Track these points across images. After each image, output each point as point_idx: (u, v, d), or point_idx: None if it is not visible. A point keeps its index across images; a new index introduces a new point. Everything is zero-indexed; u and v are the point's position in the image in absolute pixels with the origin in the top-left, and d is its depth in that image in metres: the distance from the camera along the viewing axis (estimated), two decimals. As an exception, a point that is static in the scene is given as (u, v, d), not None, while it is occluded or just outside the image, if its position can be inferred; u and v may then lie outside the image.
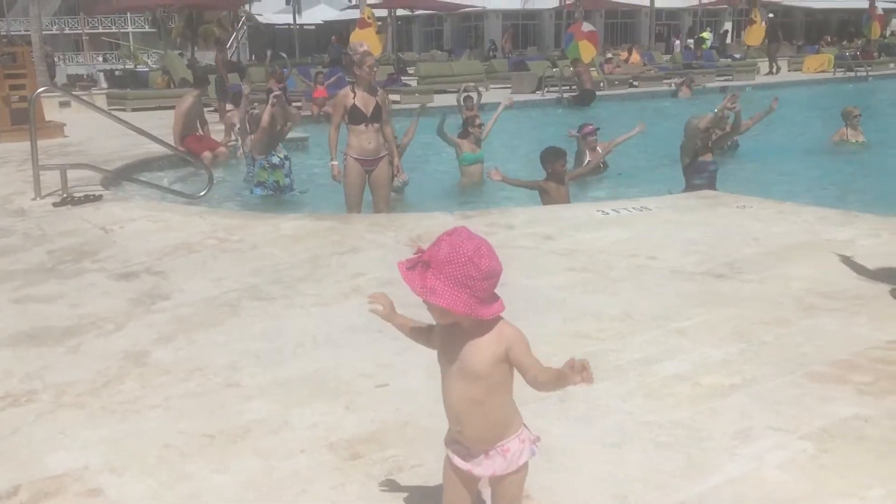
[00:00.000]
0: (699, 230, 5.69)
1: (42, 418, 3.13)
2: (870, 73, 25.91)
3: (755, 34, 28.47)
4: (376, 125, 6.69)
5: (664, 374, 3.37)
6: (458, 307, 1.79)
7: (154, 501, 2.55)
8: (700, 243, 5.32)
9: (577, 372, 1.78)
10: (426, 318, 2.04)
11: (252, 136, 9.02)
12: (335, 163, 6.68)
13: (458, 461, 2.00)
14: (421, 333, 2.08)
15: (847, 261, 4.78)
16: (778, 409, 3.04)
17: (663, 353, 3.57)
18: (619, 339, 3.74)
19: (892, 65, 29.09)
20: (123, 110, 16.63)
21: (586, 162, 9.19)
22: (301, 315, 4.24)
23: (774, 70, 27.22)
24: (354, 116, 6.54)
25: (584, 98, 19.92)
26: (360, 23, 20.83)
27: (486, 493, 2.17)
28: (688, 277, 4.62)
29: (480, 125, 9.31)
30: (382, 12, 31.27)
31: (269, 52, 17.15)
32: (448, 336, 1.94)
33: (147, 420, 3.11)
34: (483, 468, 1.98)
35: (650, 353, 3.58)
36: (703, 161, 7.51)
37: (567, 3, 31.61)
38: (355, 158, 6.66)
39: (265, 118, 8.74)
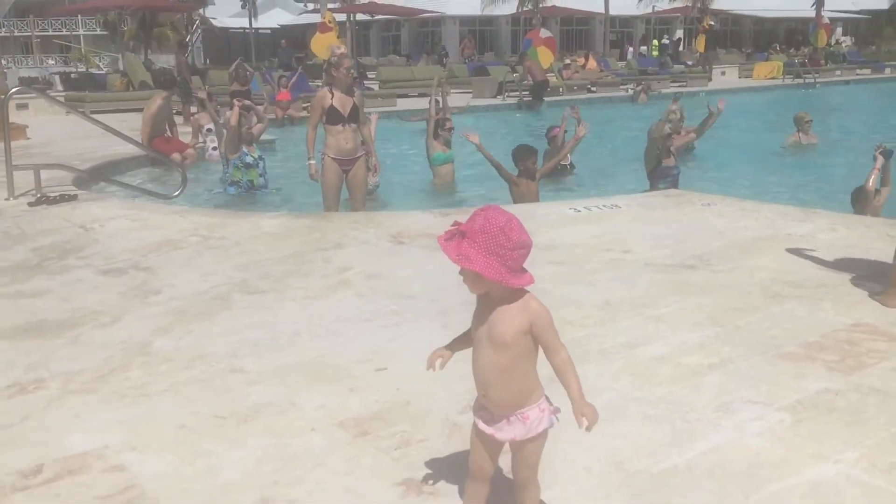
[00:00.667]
0: (667, 226, 5.95)
1: (53, 404, 3.22)
2: (817, 80, 26.76)
3: (702, 42, 29.23)
4: (353, 125, 6.84)
5: (647, 356, 3.59)
6: (489, 272, 1.96)
7: (177, 476, 2.67)
8: (669, 238, 5.57)
9: (582, 418, 2.04)
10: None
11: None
12: (313, 162, 6.80)
13: (482, 425, 2.17)
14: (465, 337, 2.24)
15: (808, 253, 5.07)
16: (754, 385, 3.27)
17: (644, 338, 3.79)
18: (601, 325, 3.95)
19: (838, 72, 30.05)
20: (82, 113, 16.45)
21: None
22: (293, 307, 4.37)
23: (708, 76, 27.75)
24: (332, 117, 6.67)
25: (538, 90, 20.35)
26: (321, 27, 20.90)
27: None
28: (661, 269, 4.86)
29: (451, 129, 9.51)
30: (341, 16, 31.35)
31: (237, 60, 17.13)
32: (481, 306, 2.11)
33: (158, 403, 3.22)
34: (504, 433, 2.15)
35: (632, 338, 3.79)
36: (666, 166, 7.81)
37: (524, 10, 31.98)
38: (333, 158, 6.79)
39: (233, 118, 8.84)
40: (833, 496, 2.49)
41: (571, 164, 10.09)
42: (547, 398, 2.20)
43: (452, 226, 2.03)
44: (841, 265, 4.80)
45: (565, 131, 9.66)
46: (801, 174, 10.82)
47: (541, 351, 2.13)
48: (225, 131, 9.40)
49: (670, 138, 7.92)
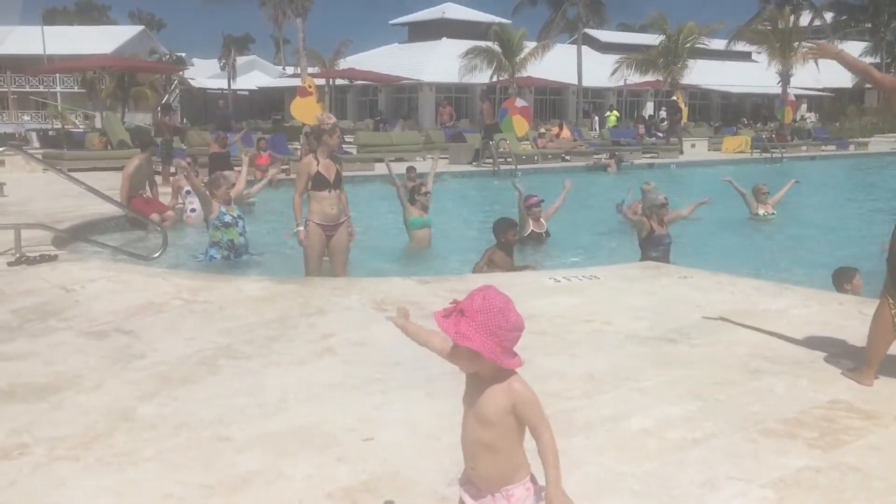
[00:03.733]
0: (646, 298, 6.06)
1: (39, 470, 3.20)
2: (784, 155, 27.48)
3: (685, 115, 30.14)
4: (337, 191, 6.96)
5: (631, 429, 3.64)
6: (486, 352, 2.02)
7: (166, 547, 2.65)
8: (648, 310, 5.67)
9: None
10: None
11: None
12: (301, 228, 6.86)
13: (468, 500, 2.21)
14: (437, 343, 2.26)
15: (784, 328, 5.18)
16: (737, 461, 3.32)
17: (628, 410, 3.85)
18: (585, 397, 4.01)
19: (804, 147, 30.89)
20: (60, 171, 16.44)
21: (528, 232, 9.68)
22: (279, 373, 4.38)
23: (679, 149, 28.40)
24: (318, 183, 6.78)
25: (488, 132, 21.58)
26: (301, 91, 21.17)
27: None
28: (641, 342, 4.94)
29: (427, 193, 9.67)
30: (321, 81, 31.85)
31: (244, 123, 17.53)
32: (470, 382, 2.16)
33: (144, 471, 3.20)
34: (488, 510, 2.18)
35: (616, 410, 3.84)
36: (658, 235, 7.97)
37: (500, 79, 32.69)
38: (317, 224, 6.87)
39: (187, 182, 8.80)
40: (818, 574, 2.53)
41: (547, 232, 10.27)
42: (534, 477, 2.23)
43: (451, 304, 2.09)
44: (816, 341, 4.91)
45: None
46: (759, 244, 11.14)
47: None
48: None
49: (664, 208, 8.10)
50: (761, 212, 12.64)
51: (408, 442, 3.52)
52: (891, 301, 4.20)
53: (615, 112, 40.74)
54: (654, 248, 7.93)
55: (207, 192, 8.73)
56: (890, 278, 4.26)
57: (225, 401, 3.95)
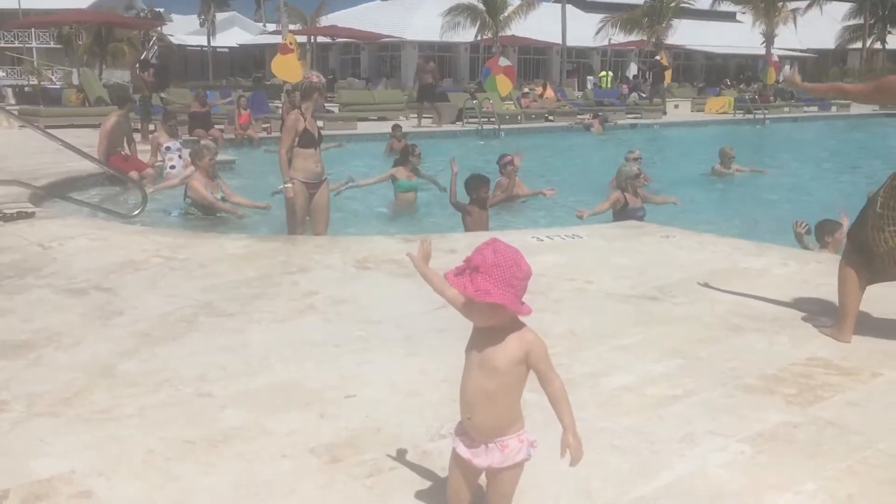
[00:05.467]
0: (628, 257, 6.07)
1: (18, 427, 3.17)
2: (766, 116, 27.51)
3: (668, 76, 29.96)
4: (319, 149, 6.90)
5: (612, 385, 3.66)
6: (509, 304, 2.03)
7: (148, 502, 2.65)
8: (631, 269, 5.69)
9: (566, 449, 2.14)
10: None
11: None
12: (289, 185, 6.77)
13: (461, 449, 2.21)
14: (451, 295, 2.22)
15: (764, 286, 5.22)
16: (716, 417, 3.35)
17: (610, 368, 3.87)
18: (567, 354, 4.02)
19: (786, 108, 30.92)
20: (38, 128, 16.19)
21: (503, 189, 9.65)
22: (260, 330, 4.36)
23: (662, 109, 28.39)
24: (305, 140, 6.71)
25: (426, 94, 21.55)
26: (283, 48, 20.85)
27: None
28: (623, 300, 4.96)
29: (419, 154, 9.60)
30: (302, 38, 31.39)
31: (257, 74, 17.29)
32: (479, 332, 2.16)
33: (125, 427, 3.18)
34: (481, 459, 2.19)
35: (598, 368, 3.86)
36: (632, 207, 7.99)
37: (484, 37, 32.38)
38: (302, 181, 6.80)
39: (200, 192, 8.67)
40: (795, 526, 2.57)
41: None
42: (526, 430, 2.25)
43: (463, 262, 2.06)
44: (795, 300, 4.95)
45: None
46: (725, 202, 11.34)
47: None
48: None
49: (639, 178, 8.11)
50: (723, 172, 13.00)
51: (390, 398, 3.52)
52: (849, 258, 4.27)
53: (608, 73, 40.51)
54: (627, 220, 7.95)
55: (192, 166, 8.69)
56: (850, 250, 4.32)
57: (206, 358, 3.93)
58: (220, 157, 10.67)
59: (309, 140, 6.72)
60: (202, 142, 10.32)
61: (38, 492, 2.69)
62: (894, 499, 2.73)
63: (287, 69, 19.27)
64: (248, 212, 8.97)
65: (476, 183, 7.81)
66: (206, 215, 8.67)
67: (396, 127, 15.91)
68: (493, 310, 2.07)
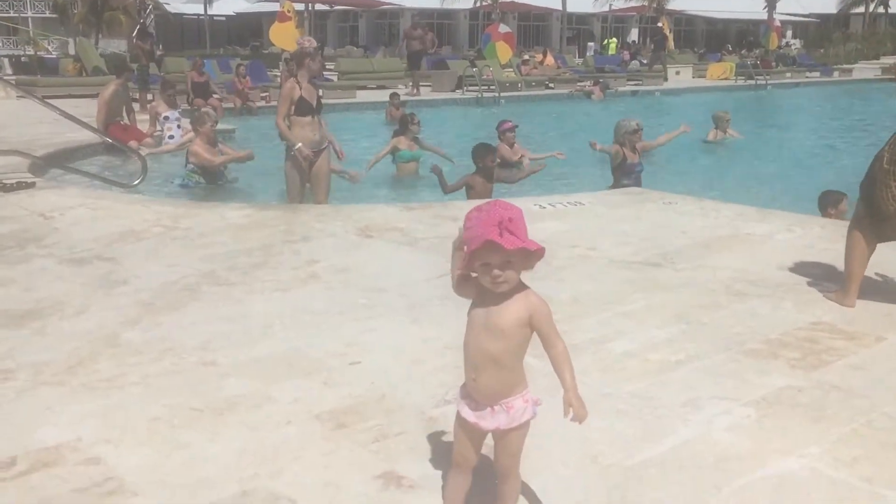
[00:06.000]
0: (631, 224, 6.06)
1: (23, 395, 3.18)
2: (768, 82, 27.31)
3: (671, 41, 29.72)
4: (318, 117, 6.85)
5: (616, 351, 3.66)
6: (539, 249, 2.05)
7: (155, 469, 2.65)
8: (633, 235, 5.67)
9: (570, 408, 2.12)
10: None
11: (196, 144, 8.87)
12: (300, 145, 6.70)
13: (466, 412, 2.21)
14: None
15: (767, 252, 5.21)
16: (720, 381, 3.36)
17: (613, 334, 3.87)
18: (570, 321, 4.01)
19: (788, 74, 30.71)
20: (37, 98, 16.10)
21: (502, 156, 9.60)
22: (263, 299, 4.35)
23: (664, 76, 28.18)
24: (302, 108, 6.65)
25: (415, 61, 21.28)
26: (280, 16, 20.57)
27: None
28: (626, 266, 4.95)
29: (419, 122, 9.54)
30: (300, 6, 31.03)
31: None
32: (484, 295, 2.13)
33: (130, 396, 3.19)
34: (487, 422, 2.19)
35: (601, 334, 3.86)
36: (630, 163, 7.94)
37: (483, 3, 32.04)
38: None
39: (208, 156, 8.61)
40: (800, 489, 2.58)
41: (521, 160, 10.22)
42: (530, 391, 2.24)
43: (496, 226, 2.02)
44: (798, 265, 4.94)
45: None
46: (719, 169, 11.32)
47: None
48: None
49: (636, 135, 8.05)
50: (719, 138, 12.98)
51: (394, 366, 3.53)
52: (860, 222, 4.24)
53: (613, 39, 40.16)
54: (625, 175, 7.91)
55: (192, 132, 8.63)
56: (860, 203, 4.28)
57: (209, 327, 3.93)
58: (220, 126, 10.62)
59: (306, 108, 6.66)
60: (203, 109, 10.25)
61: (46, 459, 2.70)
62: (898, 461, 2.74)
63: (285, 37, 19.03)
64: (249, 180, 8.94)
65: (482, 151, 7.71)
66: (209, 183, 8.65)
67: (394, 95, 15.82)
68: (527, 262, 2.07)
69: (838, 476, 2.65)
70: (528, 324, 2.13)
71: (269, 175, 8.52)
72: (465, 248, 2.06)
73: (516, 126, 10.00)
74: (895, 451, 2.80)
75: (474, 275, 2.13)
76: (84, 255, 5.11)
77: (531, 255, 2.08)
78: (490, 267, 2.05)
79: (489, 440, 2.29)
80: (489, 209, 2.05)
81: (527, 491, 2.43)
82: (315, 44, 6.79)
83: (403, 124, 9.65)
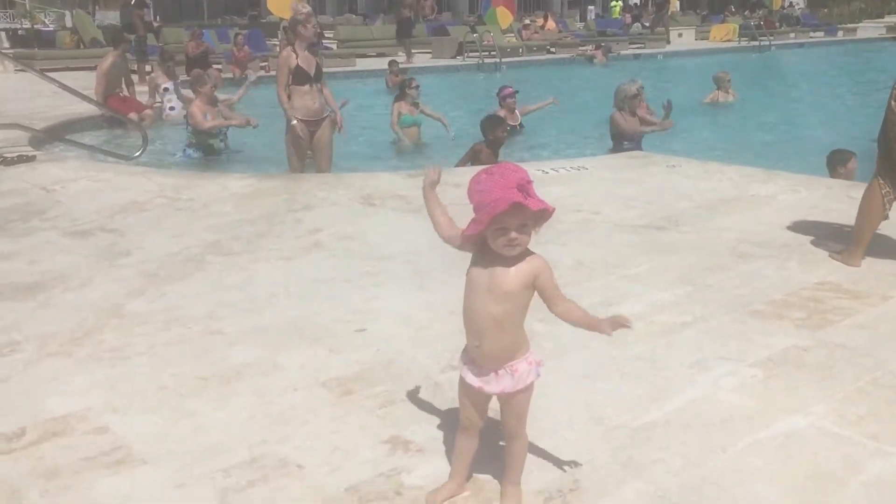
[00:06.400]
0: (635, 187, 6.03)
1: (30, 367, 3.19)
2: (772, 43, 27.05)
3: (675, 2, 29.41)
4: (318, 85, 6.79)
5: (621, 314, 3.65)
6: (550, 207, 2.05)
7: (163, 436, 2.67)
8: (637, 199, 5.65)
9: (614, 327, 2.11)
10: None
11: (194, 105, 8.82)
12: (295, 122, 6.68)
13: (470, 378, 2.21)
14: (447, 222, 2.23)
15: (772, 213, 5.18)
16: (726, 342, 3.36)
17: (618, 297, 3.86)
18: (576, 285, 4.00)
19: (792, 34, 30.40)
20: (37, 71, 16.00)
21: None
22: (267, 268, 4.35)
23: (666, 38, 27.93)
24: (299, 77, 6.60)
25: (404, 29, 21.25)
26: (278, -16, 20.44)
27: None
28: (631, 230, 4.93)
29: (417, 86, 9.48)
30: (297, -26, 30.67)
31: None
32: (486, 259, 2.11)
33: (137, 366, 3.20)
34: (492, 386, 2.19)
35: (606, 297, 3.86)
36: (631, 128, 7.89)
37: (483, -32, 31.68)
38: (300, 119, 6.72)
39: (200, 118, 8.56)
40: (805, 447, 2.59)
41: (521, 125, 10.20)
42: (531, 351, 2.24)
43: (519, 189, 2.00)
44: (804, 226, 4.92)
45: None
46: (723, 130, 11.25)
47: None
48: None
49: (636, 99, 7.99)
50: (720, 100, 12.86)
51: (400, 332, 3.53)
52: (881, 181, 4.18)
53: (618, 3, 39.69)
54: (626, 140, 7.86)
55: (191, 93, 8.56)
56: (881, 160, 4.23)
57: (215, 296, 3.93)
58: (220, 96, 10.55)
59: (303, 77, 6.60)
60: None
61: (55, 429, 2.71)
62: (904, 418, 2.74)
63: (283, 5, 18.80)
64: (251, 150, 8.90)
65: (493, 122, 7.72)
66: (207, 154, 8.60)
67: (393, 62, 15.74)
68: (541, 224, 2.07)
69: (844, 434, 2.66)
70: (532, 285, 2.12)
71: (271, 145, 8.49)
72: (481, 211, 2.01)
73: (516, 92, 9.96)
74: (901, 408, 2.81)
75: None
76: (87, 227, 5.11)
77: (541, 218, 2.07)
78: (507, 230, 2.02)
79: (495, 403, 2.29)
80: (503, 172, 2.02)
81: (533, 452, 2.44)
82: (308, 9, 6.69)
83: (402, 89, 9.60)
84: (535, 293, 2.17)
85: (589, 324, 2.16)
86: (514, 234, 2.03)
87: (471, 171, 6.69)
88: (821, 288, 3.93)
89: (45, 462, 2.52)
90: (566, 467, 2.47)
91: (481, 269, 2.13)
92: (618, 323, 2.13)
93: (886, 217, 4.22)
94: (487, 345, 2.14)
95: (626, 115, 7.92)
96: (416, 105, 9.55)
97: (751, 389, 2.97)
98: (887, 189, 4.16)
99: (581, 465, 2.48)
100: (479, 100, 12.69)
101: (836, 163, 6.70)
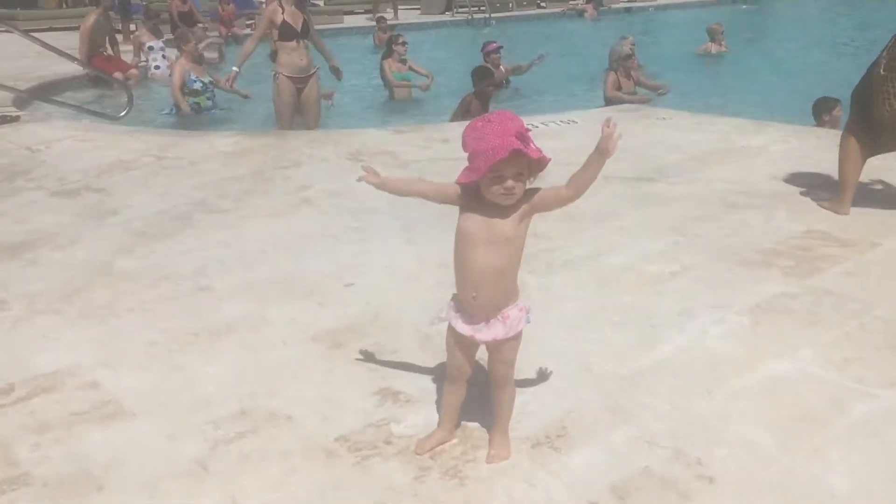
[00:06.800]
0: (625, 140, 5.84)
1: (20, 324, 3.18)
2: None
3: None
4: (305, 42, 6.70)
5: (611, 265, 3.67)
6: (545, 155, 2.03)
7: (154, 390, 2.67)
8: (628, 152, 5.57)
9: (611, 133, 2.06)
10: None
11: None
12: (236, 70, 6.65)
13: (461, 326, 2.20)
14: (427, 188, 2.22)
15: (762, 164, 5.18)
16: (714, 291, 3.37)
17: (608, 248, 3.86)
18: (566, 236, 4.01)
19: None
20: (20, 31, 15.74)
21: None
22: (256, 225, 4.33)
23: None
24: (285, 33, 6.50)
25: None
26: (262, -61, 20.08)
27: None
28: (621, 182, 4.92)
29: (404, 43, 9.38)
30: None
31: None
32: (476, 210, 2.09)
33: (127, 322, 3.19)
34: (483, 334, 2.19)
35: (596, 248, 3.86)
36: (625, 90, 7.85)
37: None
38: (287, 76, 6.64)
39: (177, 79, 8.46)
40: (791, 390, 2.61)
41: (507, 80, 10.12)
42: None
43: (518, 137, 1.98)
44: (794, 176, 4.92)
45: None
46: (714, 80, 11.24)
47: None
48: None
49: (630, 59, 7.93)
50: (713, 51, 12.81)
51: (389, 285, 3.53)
52: (853, 136, 4.19)
53: None
54: (619, 101, 7.82)
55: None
56: (853, 117, 4.25)
57: (203, 253, 3.91)
58: (206, 55, 10.43)
59: (289, 33, 6.51)
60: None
61: (45, 385, 2.71)
62: (890, 363, 2.76)
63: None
64: (237, 109, 8.81)
65: (479, 74, 7.72)
66: (195, 113, 8.51)
67: (381, 19, 15.57)
68: (535, 173, 2.05)
69: (830, 377, 2.68)
70: (530, 213, 2.09)
71: (258, 103, 8.40)
72: (478, 159, 1.97)
73: (500, 47, 9.88)
74: (887, 352, 2.83)
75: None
76: (74, 186, 5.07)
77: (537, 168, 2.05)
78: (504, 178, 1.99)
79: (482, 352, 2.30)
80: (500, 120, 1.99)
81: (521, 400, 2.45)
82: None
83: (389, 46, 9.51)
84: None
85: (597, 164, 2.11)
86: (510, 183, 2.00)
87: (461, 126, 6.63)
88: (809, 236, 3.94)
89: (36, 417, 2.53)
90: (554, 414, 2.49)
91: (477, 220, 2.09)
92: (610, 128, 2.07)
93: (869, 156, 4.22)
94: (485, 295, 2.13)
95: (620, 76, 7.87)
96: (403, 62, 9.45)
97: (738, 336, 2.99)
98: (860, 136, 4.17)
99: (569, 411, 2.50)
100: (469, 56, 12.55)
101: (822, 111, 6.70)
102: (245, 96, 8.08)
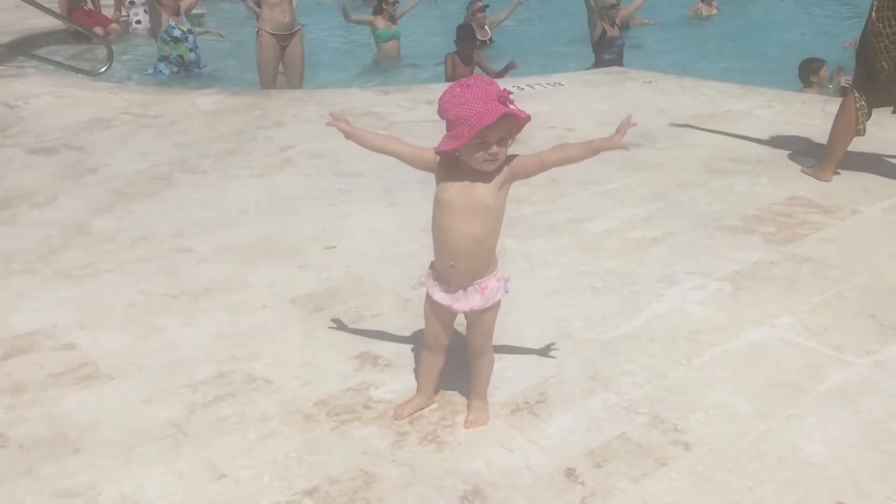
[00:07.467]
0: (610, 103, 5.96)
1: (-5, 284, 3.15)
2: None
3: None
4: (289, -1, 6.60)
5: (594, 230, 3.66)
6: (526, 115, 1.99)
7: (131, 352, 2.66)
8: (613, 115, 5.50)
9: (623, 131, 2.01)
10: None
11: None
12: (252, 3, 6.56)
13: (439, 295, 2.19)
14: (403, 146, 2.17)
15: (747, 129, 5.15)
16: (696, 257, 3.37)
17: (591, 213, 3.85)
18: (549, 201, 3.99)
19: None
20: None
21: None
22: (237, 186, 4.29)
23: None
24: (269, -12, 6.40)
25: None
26: None
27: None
28: (605, 146, 4.89)
29: (395, 2, 9.23)
30: None
31: None
32: (455, 178, 2.06)
33: (104, 283, 3.17)
34: (461, 304, 2.17)
35: (579, 213, 3.85)
36: (611, 36, 7.78)
37: None
38: (270, 33, 6.54)
39: None
40: (769, 357, 2.63)
41: (491, 39, 10.02)
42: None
43: (508, 99, 1.95)
44: (778, 141, 4.90)
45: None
46: (702, 42, 11.10)
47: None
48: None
49: (615, 8, 7.85)
50: (703, 13, 12.72)
51: (371, 249, 3.51)
52: (856, 94, 4.15)
53: None
54: (606, 50, 7.77)
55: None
56: (857, 72, 4.19)
57: (183, 214, 3.87)
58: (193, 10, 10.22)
59: None
60: None
61: (21, 345, 2.69)
62: (868, 330, 2.78)
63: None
64: (220, 67, 8.68)
65: (461, 32, 7.64)
66: (178, 67, 8.36)
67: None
68: (518, 130, 2.01)
69: (808, 344, 2.70)
70: (511, 180, 2.07)
71: (241, 60, 8.29)
72: (462, 126, 1.92)
73: (486, 6, 9.76)
74: (864, 320, 2.85)
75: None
76: (52, 144, 4.99)
77: (516, 131, 2.01)
78: (488, 143, 1.95)
79: (461, 319, 2.29)
80: (481, 85, 1.95)
81: (501, 366, 2.45)
82: None
83: (379, 3, 9.36)
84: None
85: (593, 150, 2.08)
86: (495, 149, 1.97)
87: (443, 88, 6.57)
88: (792, 202, 3.94)
89: (12, 378, 2.51)
90: (533, 380, 2.49)
91: (455, 187, 2.06)
92: (622, 130, 2.03)
93: (861, 133, 4.20)
94: (463, 264, 2.11)
95: (605, 24, 7.80)
96: (393, 20, 9.31)
97: (718, 302, 3.00)
98: (862, 103, 4.13)
99: (548, 377, 2.51)
100: (455, 15, 12.38)
101: (809, 72, 6.68)
102: (220, 35, 8.06)
